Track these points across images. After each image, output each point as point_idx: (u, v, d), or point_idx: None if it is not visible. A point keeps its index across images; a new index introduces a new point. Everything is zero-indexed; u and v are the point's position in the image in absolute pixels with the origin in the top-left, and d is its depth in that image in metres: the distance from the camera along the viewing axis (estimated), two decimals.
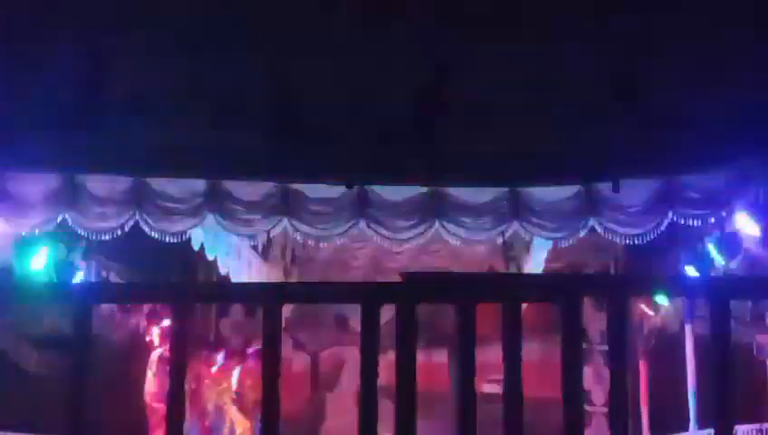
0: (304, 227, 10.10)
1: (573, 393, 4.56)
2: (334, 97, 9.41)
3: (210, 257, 11.82)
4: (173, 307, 4.76)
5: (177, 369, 4.65)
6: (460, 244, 10.57)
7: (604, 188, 9.78)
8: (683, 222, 9.83)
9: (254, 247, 12.84)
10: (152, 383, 12.11)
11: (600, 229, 10.07)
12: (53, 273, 10.55)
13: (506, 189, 9.97)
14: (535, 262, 12.54)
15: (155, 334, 12.26)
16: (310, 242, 10.78)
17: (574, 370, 4.57)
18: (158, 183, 9.81)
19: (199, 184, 9.87)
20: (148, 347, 12.43)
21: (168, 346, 11.39)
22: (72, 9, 9.47)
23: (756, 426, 11.16)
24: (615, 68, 9.47)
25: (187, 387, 4.81)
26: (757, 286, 5.52)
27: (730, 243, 10.19)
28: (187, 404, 11.25)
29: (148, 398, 12.11)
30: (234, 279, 12.21)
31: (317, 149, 9.43)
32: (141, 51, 9.44)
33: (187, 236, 10.45)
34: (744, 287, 5.40)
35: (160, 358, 11.88)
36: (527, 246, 12.65)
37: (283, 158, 9.55)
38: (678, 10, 9.43)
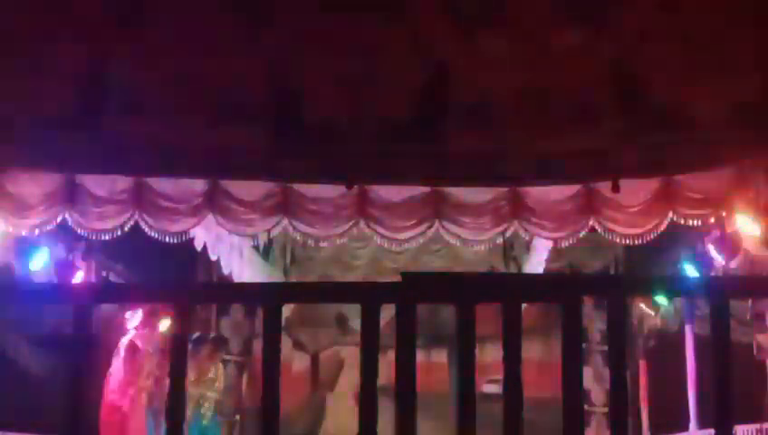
0: (304, 227, 10.09)
1: (573, 393, 4.55)
2: (334, 97, 9.40)
3: (213, 258, 11.84)
4: (173, 307, 4.76)
5: (177, 369, 4.64)
6: (460, 244, 10.57)
7: (604, 188, 9.77)
8: (683, 222, 9.82)
9: (255, 247, 12.87)
10: (118, 373, 10.70)
11: (600, 229, 10.05)
12: (53, 273, 10.54)
13: (506, 189, 9.96)
14: (535, 262, 12.56)
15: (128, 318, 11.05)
16: (310, 242, 10.78)
17: (574, 370, 4.57)
18: (158, 183, 9.80)
19: (199, 184, 9.87)
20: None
21: (137, 333, 11.05)
22: (72, 9, 9.47)
23: (756, 426, 11.16)
24: (615, 68, 9.46)
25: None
26: (757, 286, 5.53)
27: (730, 243, 10.18)
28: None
29: (110, 396, 10.56)
30: (235, 279, 12.23)
31: (317, 149, 9.43)
32: (141, 51, 9.43)
33: (189, 236, 10.46)
34: (744, 287, 5.41)
35: (130, 344, 10.87)
36: (527, 246, 12.67)
37: (283, 158, 9.54)
38: (678, 10, 9.43)
